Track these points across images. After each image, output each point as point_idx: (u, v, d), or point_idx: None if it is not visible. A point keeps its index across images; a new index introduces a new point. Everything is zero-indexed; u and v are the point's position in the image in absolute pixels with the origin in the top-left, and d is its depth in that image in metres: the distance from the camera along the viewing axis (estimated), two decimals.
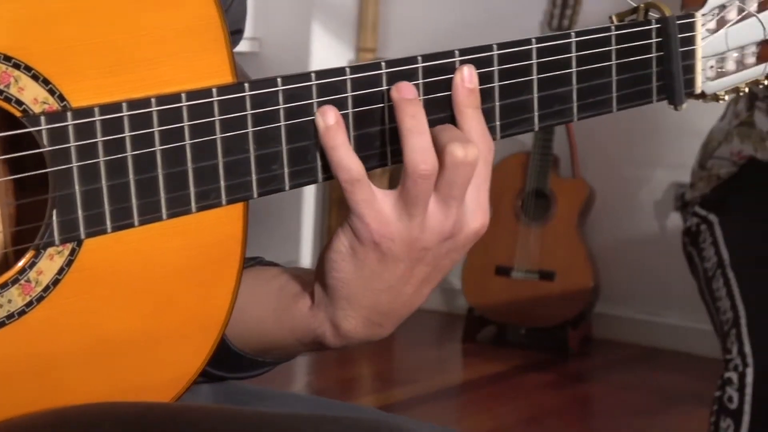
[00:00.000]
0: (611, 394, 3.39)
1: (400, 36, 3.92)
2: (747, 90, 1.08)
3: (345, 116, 0.79)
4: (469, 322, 3.69)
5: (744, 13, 1.05)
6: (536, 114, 0.88)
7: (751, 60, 1.08)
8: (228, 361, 0.91)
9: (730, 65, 1.06)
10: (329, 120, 0.78)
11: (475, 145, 0.80)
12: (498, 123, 0.87)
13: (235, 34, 1.00)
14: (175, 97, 0.74)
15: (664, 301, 3.66)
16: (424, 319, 3.87)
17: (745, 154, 1.96)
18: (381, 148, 0.82)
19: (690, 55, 0.98)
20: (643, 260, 3.69)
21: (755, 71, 1.08)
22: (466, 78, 0.85)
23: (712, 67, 1.04)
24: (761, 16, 1.07)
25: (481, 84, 0.85)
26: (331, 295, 0.82)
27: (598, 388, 3.52)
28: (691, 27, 0.98)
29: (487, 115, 0.85)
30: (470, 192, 0.81)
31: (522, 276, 3.58)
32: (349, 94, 0.80)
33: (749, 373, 1.66)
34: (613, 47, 0.92)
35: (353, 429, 0.72)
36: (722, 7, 1.04)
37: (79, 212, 0.73)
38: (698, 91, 1.01)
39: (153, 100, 0.73)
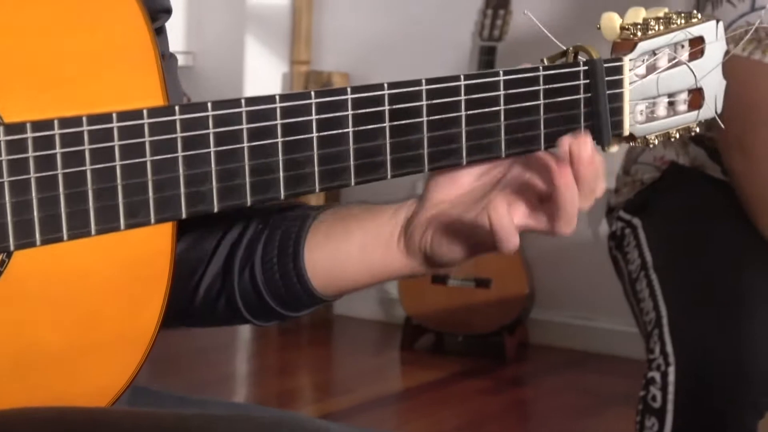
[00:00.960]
0: (547, 397, 3.45)
1: (333, 48, 3.95)
2: (678, 136, 1.09)
3: (274, 144, 0.83)
4: (407, 330, 3.73)
5: (674, 61, 1.06)
6: (464, 148, 0.92)
7: (683, 107, 1.09)
8: (299, 301, 1.00)
9: (661, 110, 1.07)
10: None
11: None
12: (426, 151, 0.90)
13: (163, 13, 1.03)
14: (106, 117, 0.77)
15: (596, 306, 3.72)
16: (363, 328, 3.91)
17: (668, 158, 2.01)
18: (310, 174, 0.85)
19: (618, 98, 1.00)
20: (576, 266, 3.74)
21: (686, 118, 1.09)
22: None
23: (642, 111, 1.04)
24: (692, 64, 1.08)
25: (409, 117, 0.88)
26: None
27: (535, 393, 3.58)
28: (618, 70, 1.00)
29: (415, 145, 0.89)
30: None
31: (458, 284, 3.63)
32: (279, 122, 0.83)
33: (671, 371, 1.71)
34: (541, 87, 0.94)
35: (259, 426, 0.76)
36: (652, 53, 1.05)
37: (9, 224, 0.74)
38: (626, 133, 1.02)
39: (84, 119, 0.76)
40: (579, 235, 3.70)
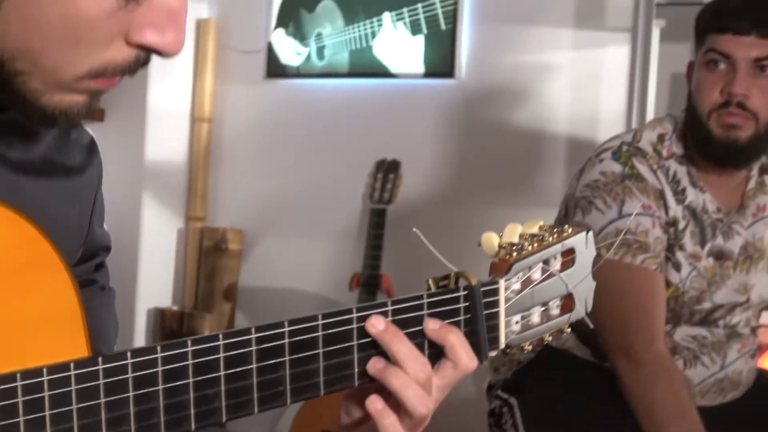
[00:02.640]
0: None
1: (229, 205, 4.03)
2: (550, 338, 1.18)
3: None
4: None
5: (547, 273, 1.16)
6: (356, 374, 1.04)
7: (556, 312, 1.18)
8: None
9: (535, 319, 1.16)
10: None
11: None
12: (321, 379, 1.02)
13: (103, 250, 1.15)
14: (37, 372, 0.87)
15: None
16: None
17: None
18: (218, 408, 0.96)
19: (495, 317, 1.11)
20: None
21: (559, 322, 1.19)
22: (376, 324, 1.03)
23: (517, 322, 1.14)
24: (563, 274, 1.18)
25: (307, 350, 1.00)
26: None
27: None
28: (495, 292, 1.11)
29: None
30: None
31: None
32: (191, 362, 0.95)
33: None
34: (425, 312, 1.06)
35: None
36: (528, 269, 1.14)
37: None
38: (502, 346, 1.12)
39: (18, 375, 0.86)
40: (463, 393, 3.83)
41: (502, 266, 1.13)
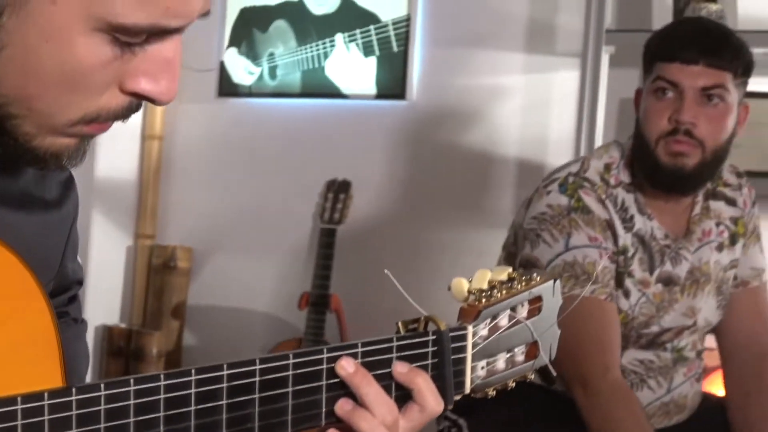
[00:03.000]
0: None
1: (178, 223, 4.02)
2: (514, 385, 1.20)
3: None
4: None
5: (514, 320, 1.18)
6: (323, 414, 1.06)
7: (521, 358, 1.20)
8: None
9: (501, 364, 1.18)
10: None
11: None
12: (290, 417, 1.04)
13: (76, 284, 1.17)
14: (11, 400, 0.88)
15: None
16: None
17: None
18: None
19: (461, 362, 1.13)
20: None
21: (523, 368, 1.21)
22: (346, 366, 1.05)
23: (483, 368, 1.16)
24: (530, 321, 1.20)
25: (277, 388, 1.02)
26: None
27: None
28: (462, 338, 1.13)
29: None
30: None
31: None
32: (162, 396, 0.96)
33: None
34: (394, 354, 1.09)
35: None
36: (495, 315, 1.16)
37: None
38: (467, 391, 1.15)
39: None
40: None
41: (470, 312, 1.15)
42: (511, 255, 2.35)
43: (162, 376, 0.96)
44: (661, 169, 2.18)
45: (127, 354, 3.87)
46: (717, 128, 2.16)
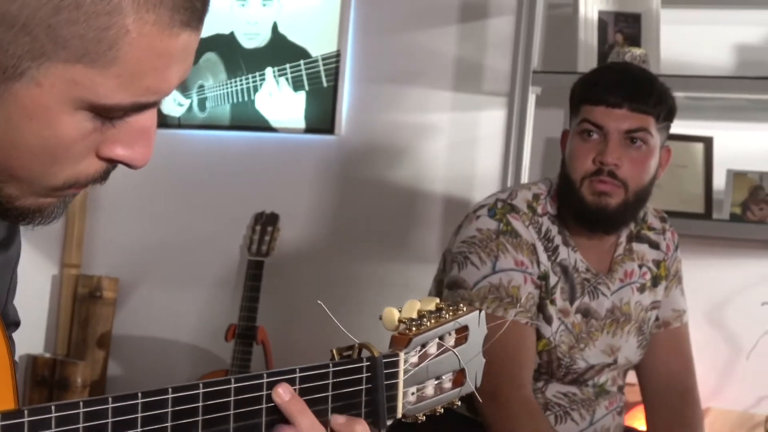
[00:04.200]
0: None
1: (104, 253, 4.01)
2: (442, 410, 1.25)
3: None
4: None
5: (442, 349, 1.23)
6: None
7: (448, 385, 1.26)
8: None
9: (430, 391, 1.24)
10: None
11: None
12: None
13: (14, 326, 1.19)
14: None
15: None
16: None
17: None
18: None
19: (394, 387, 1.18)
20: None
21: (451, 395, 1.26)
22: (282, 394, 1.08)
23: (413, 393, 1.21)
24: (457, 350, 1.25)
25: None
26: None
27: None
28: (395, 364, 1.18)
29: None
30: None
31: None
32: (110, 420, 0.99)
33: None
34: (330, 381, 1.13)
35: None
36: (424, 344, 1.22)
37: None
38: (399, 416, 1.19)
39: None
40: None
41: (402, 340, 1.20)
42: (441, 283, 2.40)
43: (110, 399, 0.99)
44: (586, 207, 2.25)
45: (51, 384, 3.84)
46: (639, 170, 2.23)
